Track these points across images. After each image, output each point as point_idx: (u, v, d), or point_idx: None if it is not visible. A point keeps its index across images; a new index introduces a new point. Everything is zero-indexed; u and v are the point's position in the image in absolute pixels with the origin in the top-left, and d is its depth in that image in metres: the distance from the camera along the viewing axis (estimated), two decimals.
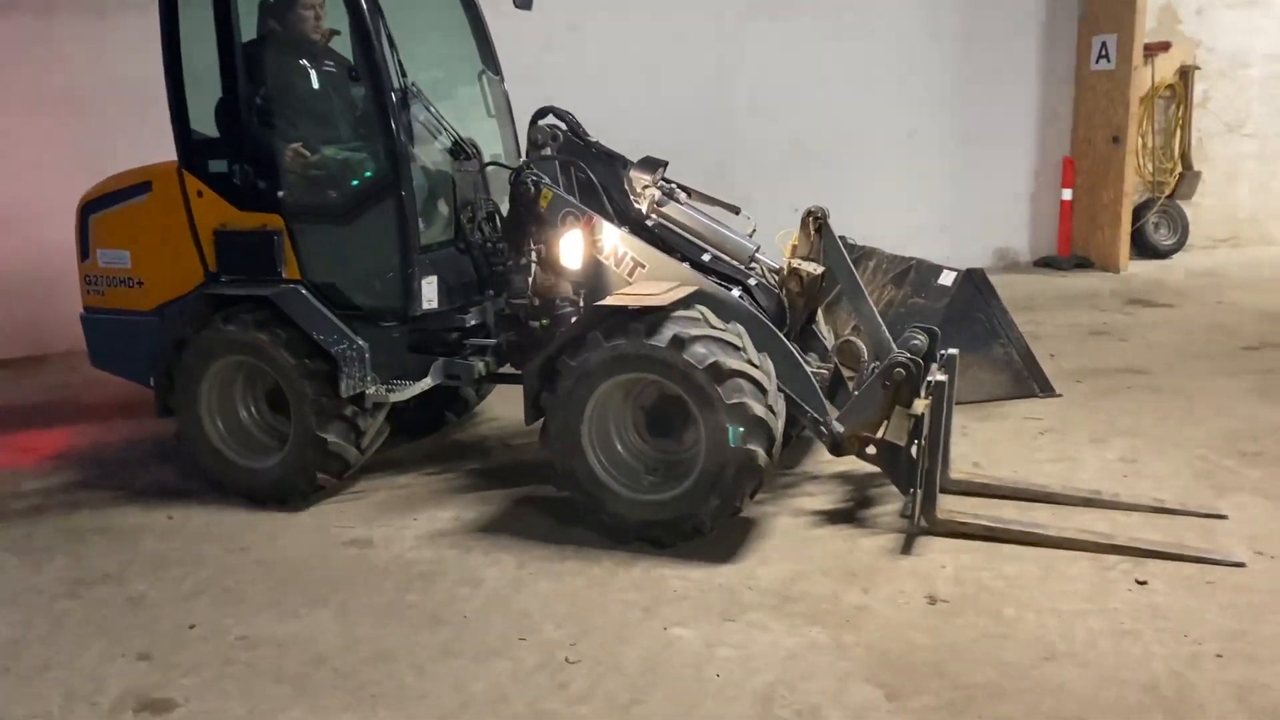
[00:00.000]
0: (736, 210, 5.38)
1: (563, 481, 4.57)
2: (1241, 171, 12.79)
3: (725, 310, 4.58)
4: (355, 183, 5.09)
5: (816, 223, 4.92)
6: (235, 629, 3.97)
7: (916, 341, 4.70)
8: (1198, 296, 9.94)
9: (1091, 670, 3.52)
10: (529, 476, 5.38)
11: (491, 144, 5.63)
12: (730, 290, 4.82)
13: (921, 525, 4.49)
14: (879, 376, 4.49)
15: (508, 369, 5.40)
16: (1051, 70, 11.66)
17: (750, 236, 5.19)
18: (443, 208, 5.22)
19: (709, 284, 4.73)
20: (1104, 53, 11.21)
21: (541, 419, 4.57)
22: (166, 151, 5.30)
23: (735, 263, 5.07)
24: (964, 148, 11.41)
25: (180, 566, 4.53)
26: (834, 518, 4.81)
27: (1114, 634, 3.74)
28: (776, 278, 5.08)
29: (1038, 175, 11.82)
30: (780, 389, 4.50)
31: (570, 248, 4.84)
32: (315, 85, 5.18)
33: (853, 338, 4.94)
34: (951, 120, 11.31)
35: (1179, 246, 12.21)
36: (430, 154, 5.13)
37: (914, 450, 4.44)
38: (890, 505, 4.91)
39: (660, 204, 5.13)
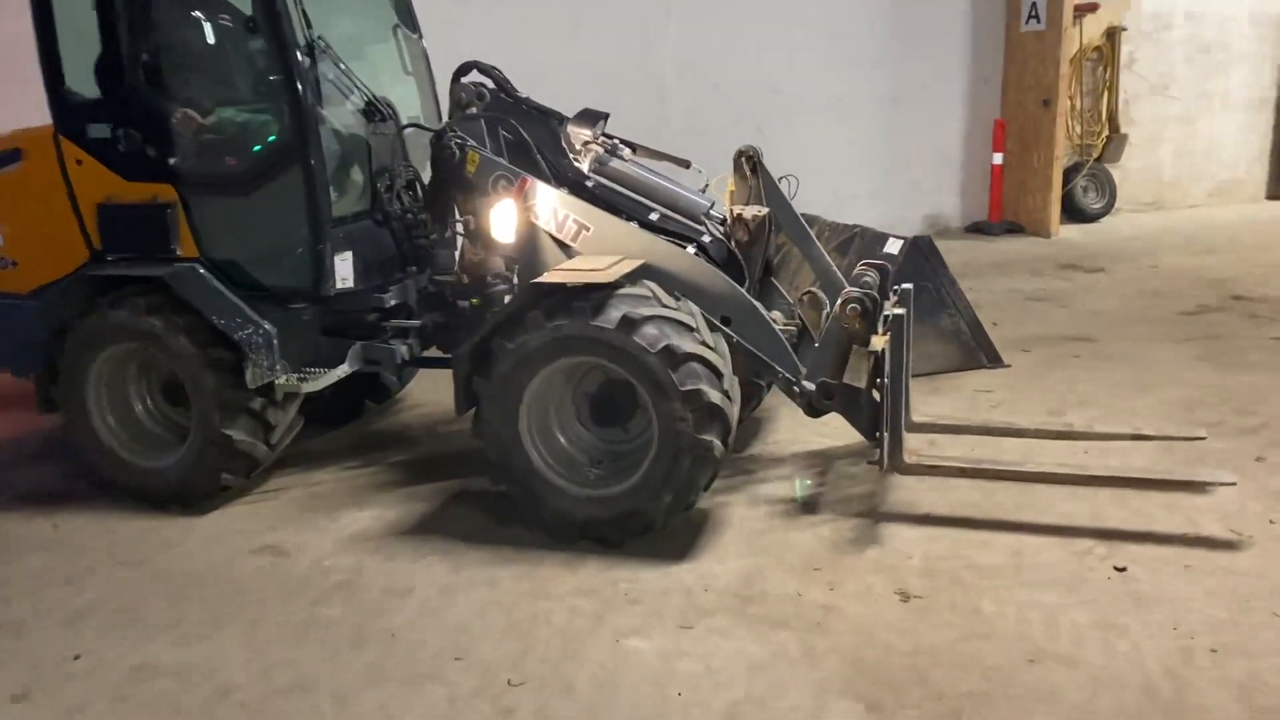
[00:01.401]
0: (687, 164, 5.01)
1: (499, 476, 4.16)
2: (1165, 134, 12.79)
3: (680, 274, 4.21)
4: (257, 148, 4.57)
5: (750, 163, 4.61)
6: (129, 657, 3.50)
7: (868, 278, 4.43)
8: (1131, 261, 9.86)
9: (1082, 672, 3.25)
10: (459, 468, 4.95)
11: (409, 105, 5.13)
12: (685, 249, 4.46)
13: (889, 470, 4.22)
14: (836, 318, 4.17)
15: (433, 352, 4.97)
16: (981, 31, 11.44)
17: (704, 191, 4.82)
18: (357, 175, 4.74)
19: (662, 245, 4.34)
20: (1034, 13, 11.03)
21: (474, 408, 4.14)
22: (42, 116, 4.71)
23: (687, 220, 4.68)
24: (894, 111, 11.17)
25: (66, 584, 4.02)
26: (791, 505, 4.49)
27: (1100, 628, 3.48)
28: (723, 230, 4.72)
29: (968, 139, 11.64)
30: (752, 351, 4.21)
31: (503, 217, 4.41)
32: (209, 38, 4.63)
33: (814, 289, 4.63)
34: (881, 82, 11.05)
35: (1107, 210, 12.17)
36: (341, 116, 4.64)
37: (874, 392, 4.16)
38: (848, 489, 4.62)
39: (603, 162, 4.72)
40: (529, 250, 4.49)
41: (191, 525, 4.49)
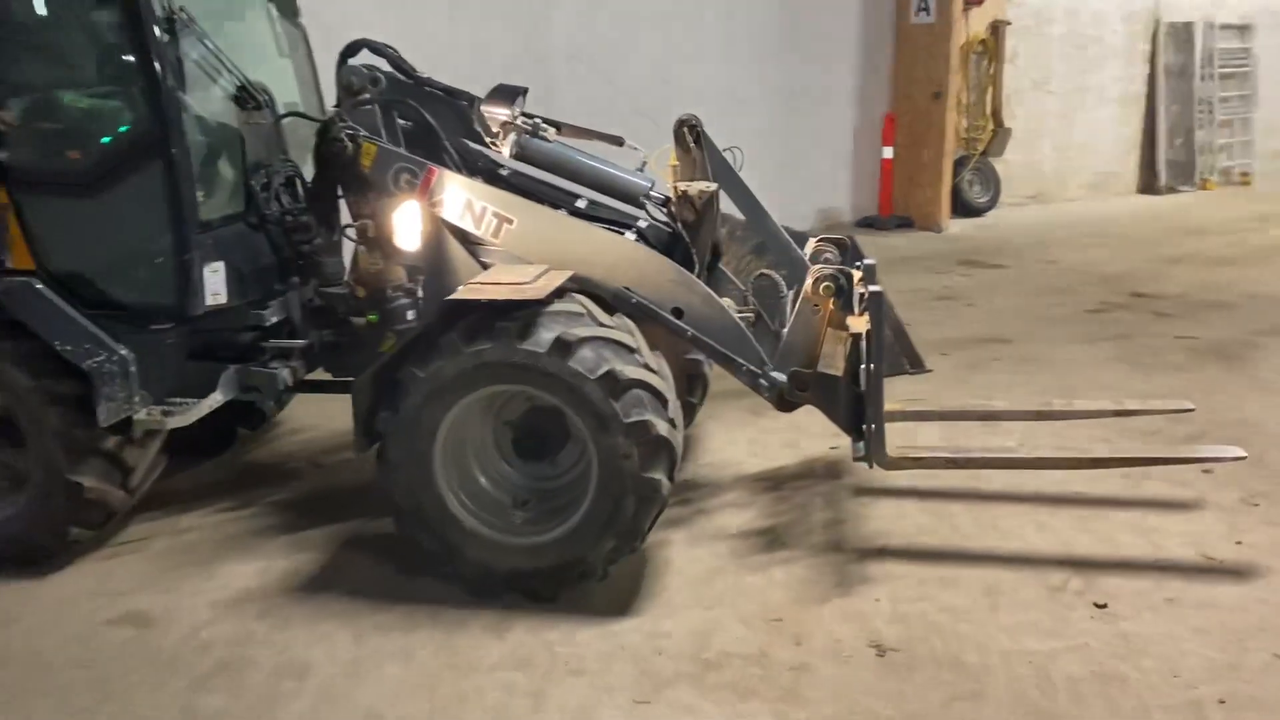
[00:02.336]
0: (620, 141, 4.52)
1: (409, 524, 3.57)
2: (1045, 128, 12.91)
3: (623, 265, 3.74)
4: (107, 139, 3.85)
5: (693, 133, 4.17)
6: None
7: (829, 255, 4.09)
8: (1025, 256, 9.81)
9: None
10: (355, 506, 4.33)
11: (286, 90, 4.47)
12: (624, 236, 3.99)
13: (875, 465, 3.76)
14: (806, 299, 3.73)
15: (321, 374, 4.33)
16: (871, 23, 11.25)
17: (642, 170, 4.33)
18: (228, 172, 4.06)
19: (598, 234, 3.86)
20: (924, 5, 10.90)
21: (377, 446, 3.55)
22: None
23: (621, 205, 4.22)
24: (786, 104, 10.88)
25: None
26: (736, 541, 4.05)
27: (1097, 680, 3.14)
28: (666, 211, 4.26)
29: (858, 132, 11.45)
30: (711, 345, 3.76)
31: (407, 218, 3.81)
32: (41, 8, 3.88)
33: (768, 270, 4.21)
34: (773, 75, 10.73)
35: (992, 204, 12.19)
36: (208, 102, 3.96)
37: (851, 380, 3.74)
38: (795, 517, 4.21)
39: (524, 145, 4.18)
40: (436, 257, 3.91)
41: (34, 591, 3.75)
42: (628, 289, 3.75)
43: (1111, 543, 4.01)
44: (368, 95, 3.97)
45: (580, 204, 4.18)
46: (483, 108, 4.18)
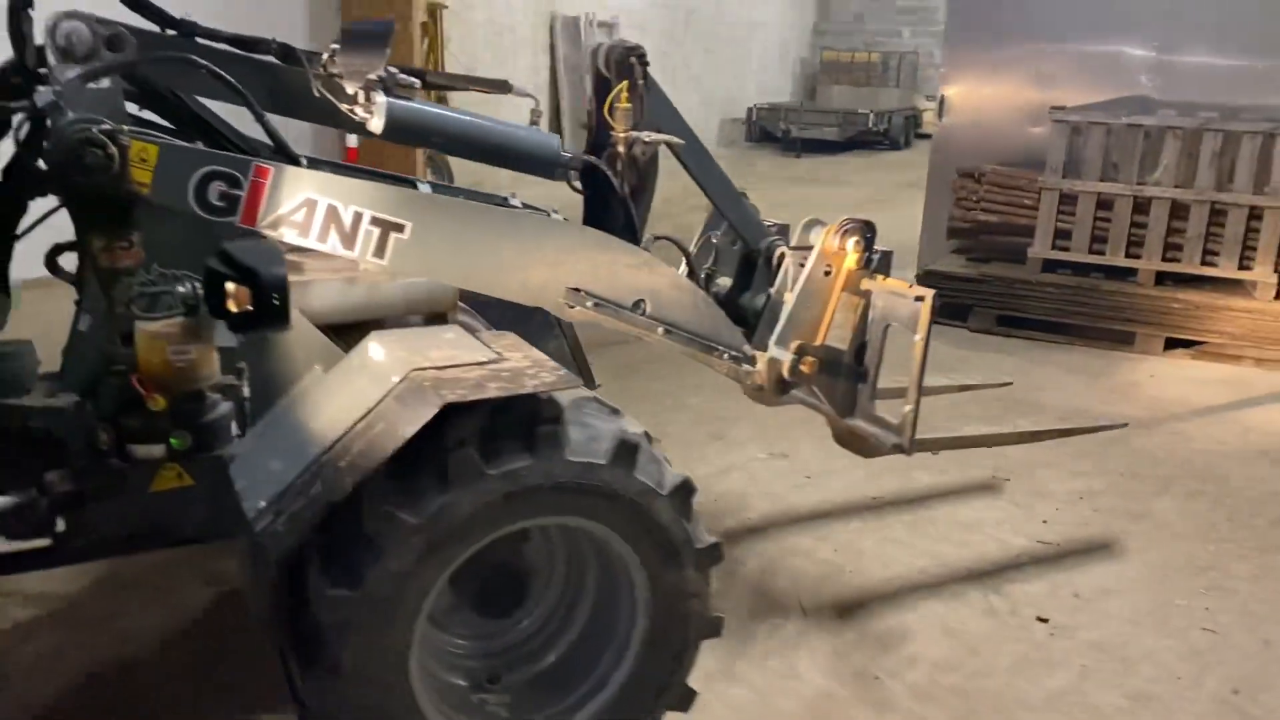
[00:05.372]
0: (506, 88, 3.29)
1: None
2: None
3: (589, 263, 2.71)
4: None
5: (643, 65, 3.18)
6: None
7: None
8: None
9: None
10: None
11: None
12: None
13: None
14: (821, 259, 3.02)
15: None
16: None
17: (536, 125, 3.15)
18: None
19: (528, 222, 2.75)
20: None
21: (309, 653, 2.12)
22: None
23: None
24: None
25: None
26: None
27: (1140, 703, 3.07)
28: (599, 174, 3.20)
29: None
30: (691, 336, 2.90)
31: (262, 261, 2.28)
32: None
33: (669, 236, 3.38)
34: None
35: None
36: None
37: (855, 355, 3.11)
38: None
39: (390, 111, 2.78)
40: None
41: None
42: (577, 289, 2.71)
43: (964, 545, 4.01)
44: (100, 62, 2.33)
45: (423, 188, 3.01)
46: (339, 59, 2.73)
